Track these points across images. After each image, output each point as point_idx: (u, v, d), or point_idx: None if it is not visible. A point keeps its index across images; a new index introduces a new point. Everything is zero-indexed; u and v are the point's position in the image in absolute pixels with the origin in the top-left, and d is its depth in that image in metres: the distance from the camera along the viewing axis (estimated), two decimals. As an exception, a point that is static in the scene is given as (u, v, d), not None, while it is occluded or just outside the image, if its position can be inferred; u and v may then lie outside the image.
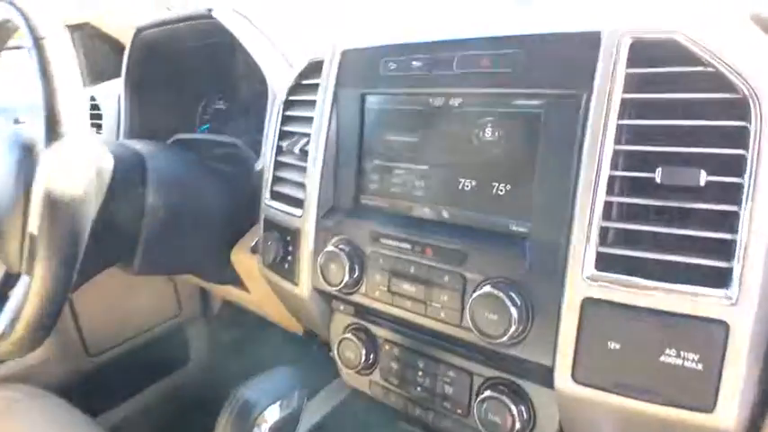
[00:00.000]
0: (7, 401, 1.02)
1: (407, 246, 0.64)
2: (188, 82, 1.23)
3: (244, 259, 0.99)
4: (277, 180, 0.83)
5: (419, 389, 0.69)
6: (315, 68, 0.77)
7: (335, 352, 0.76)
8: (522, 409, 0.60)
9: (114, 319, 1.44)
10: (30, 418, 0.99)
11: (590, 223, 0.50)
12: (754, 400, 0.47)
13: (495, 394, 0.60)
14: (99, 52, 1.55)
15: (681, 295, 0.46)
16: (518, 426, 0.59)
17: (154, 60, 1.16)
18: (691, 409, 0.47)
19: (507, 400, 0.60)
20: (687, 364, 0.46)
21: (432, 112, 0.64)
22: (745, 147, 0.45)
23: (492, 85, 0.58)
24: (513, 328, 0.54)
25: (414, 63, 0.64)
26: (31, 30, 0.61)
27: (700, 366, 0.46)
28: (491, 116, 0.59)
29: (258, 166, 0.91)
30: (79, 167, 0.62)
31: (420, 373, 0.69)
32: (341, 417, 0.85)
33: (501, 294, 0.54)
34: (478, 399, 0.61)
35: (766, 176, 0.44)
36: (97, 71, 1.54)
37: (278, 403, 0.61)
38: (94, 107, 1.32)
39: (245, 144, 1.02)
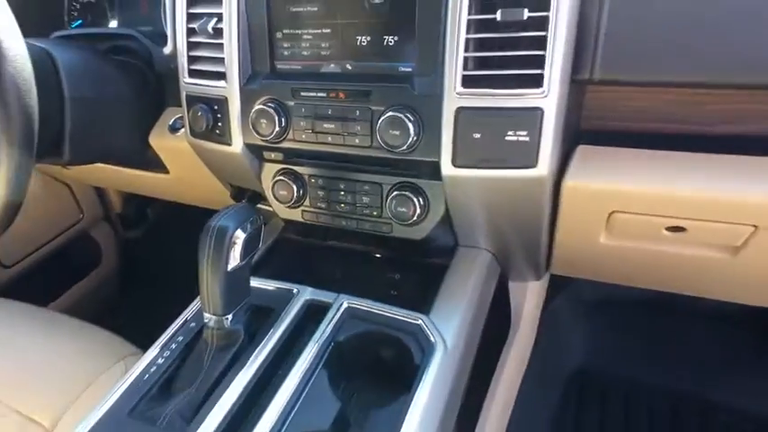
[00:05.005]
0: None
1: (323, 94, 0.83)
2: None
3: (163, 140, 1.11)
4: (193, 60, 0.95)
5: (342, 205, 0.92)
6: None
7: (270, 194, 0.96)
8: (420, 199, 0.86)
9: (21, 230, 1.47)
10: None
11: (456, 55, 0.73)
12: (558, 156, 0.76)
13: (401, 192, 0.85)
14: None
15: (516, 96, 0.72)
16: (418, 211, 0.85)
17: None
18: (523, 167, 0.74)
19: (410, 194, 0.85)
20: (521, 138, 0.73)
21: (329, -17, 0.80)
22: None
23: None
24: (410, 139, 0.77)
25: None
26: None
27: (528, 139, 0.73)
28: (377, -17, 0.77)
29: (167, 51, 1.01)
30: (24, 62, 0.71)
31: (342, 194, 0.91)
32: (286, 241, 1.07)
33: (400, 115, 0.76)
34: (389, 198, 0.86)
35: (563, 12, 0.68)
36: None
37: (241, 227, 0.79)
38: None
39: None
